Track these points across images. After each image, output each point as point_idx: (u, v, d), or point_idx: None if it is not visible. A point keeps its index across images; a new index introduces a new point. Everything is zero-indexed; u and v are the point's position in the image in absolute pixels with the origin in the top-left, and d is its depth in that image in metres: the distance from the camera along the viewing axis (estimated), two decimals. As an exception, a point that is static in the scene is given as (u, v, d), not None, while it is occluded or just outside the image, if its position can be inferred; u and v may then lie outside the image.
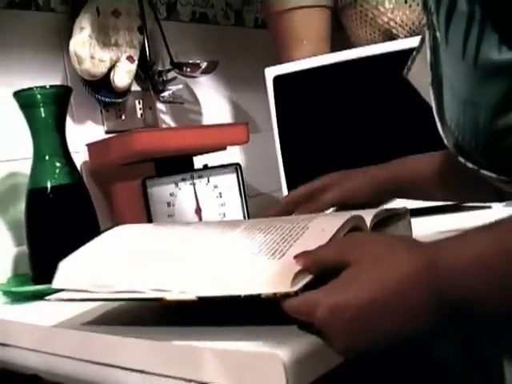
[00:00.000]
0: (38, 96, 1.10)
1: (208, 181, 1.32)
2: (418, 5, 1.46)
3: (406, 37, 1.46)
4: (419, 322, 0.56)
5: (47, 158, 1.11)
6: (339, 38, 1.65)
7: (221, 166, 1.35)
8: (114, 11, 1.39)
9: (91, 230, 1.11)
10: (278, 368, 0.55)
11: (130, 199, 1.25)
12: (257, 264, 0.66)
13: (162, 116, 1.55)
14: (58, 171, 1.11)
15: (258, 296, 0.61)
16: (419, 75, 0.80)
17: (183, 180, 1.28)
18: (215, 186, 1.33)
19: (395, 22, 1.47)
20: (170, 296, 0.66)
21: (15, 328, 0.92)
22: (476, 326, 0.82)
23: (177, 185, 1.27)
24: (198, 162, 1.37)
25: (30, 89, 1.10)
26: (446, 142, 0.68)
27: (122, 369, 0.71)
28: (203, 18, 1.72)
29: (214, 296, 0.64)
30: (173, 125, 1.57)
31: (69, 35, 1.33)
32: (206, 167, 1.34)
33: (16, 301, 1.07)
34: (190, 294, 0.65)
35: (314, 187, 0.97)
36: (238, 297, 0.62)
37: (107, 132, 1.42)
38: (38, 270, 1.11)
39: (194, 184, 1.29)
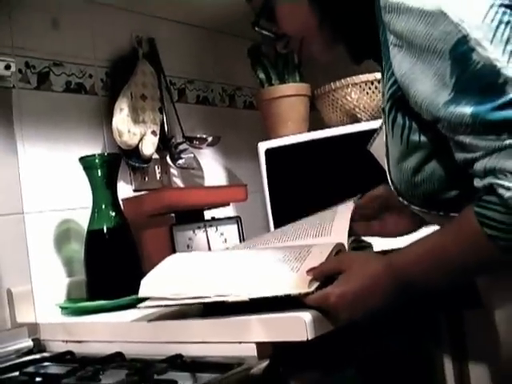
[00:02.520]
0: (98, 161, 1.48)
1: (216, 229, 1.69)
2: (376, 95, 1.87)
3: (367, 120, 1.88)
4: (387, 298, 0.96)
5: (103, 207, 1.47)
6: (313, 116, 2.06)
7: (226, 218, 1.73)
8: (142, 95, 1.78)
9: (135, 262, 1.47)
10: (301, 325, 0.93)
11: (158, 242, 1.61)
12: (284, 275, 1.04)
13: (174, 178, 1.93)
14: (111, 217, 1.47)
15: (289, 295, 0.99)
16: (378, 149, 1.19)
17: (198, 228, 1.65)
18: (222, 233, 1.70)
19: (359, 108, 1.89)
20: (229, 299, 1.03)
21: (92, 327, 1.27)
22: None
23: (194, 231, 1.64)
24: (207, 214, 1.74)
25: (92, 155, 1.48)
26: (393, 189, 1.07)
27: (187, 343, 1.07)
28: (205, 100, 2.13)
29: (259, 297, 1.01)
30: (182, 185, 1.95)
31: (108, 113, 1.72)
32: (214, 219, 1.71)
33: (72, 314, 1.43)
34: (244, 297, 1.02)
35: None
36: (276, 296, 0.99)
37: (134, 190, 1.79)
38: (94, 292, 1.46)
39: (206, 231, 1.66)
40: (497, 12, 0.84)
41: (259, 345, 0.99)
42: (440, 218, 1.00)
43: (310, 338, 0.94)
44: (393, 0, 0.90)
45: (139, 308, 1.13)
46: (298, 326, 0.94)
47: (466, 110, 0.83)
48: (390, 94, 0.97)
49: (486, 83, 0.82)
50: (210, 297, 1.05)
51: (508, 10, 0.84)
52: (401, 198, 1.03)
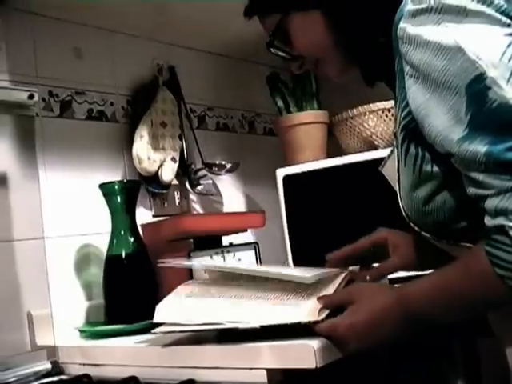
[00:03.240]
0: (117, 188, 1.51)
1: (234, 255, 1.71)
2: (393, 122, 1.89)
3: (385, 146, 1.89)
4: (395, 330, 0.98)
5: (122, 232, 1.51)
6: (330, 143, 2.09)
7: (244, 244, 1.75)
8: (162, 123, 1.82)
9: (153, 288, 1.50)
10: (310, 352, 0.94)
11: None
12: (294, 304, 1.05)
13: (194, 204, 1.96)
14: (129, 243, 1.51)
15: (299, 323, 1.00)
16: (390, 171, 1.20)
17: (216, 253, 1.67)
18: (239, 259, 1.72)
19: (376, 135, 1.91)
20: (241, 326, 1.05)
21: (109, 351, 1.30)
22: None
23: (211, 257, 1.66)
24: (225, 239, 1.77)
25: (112, 182, 1.52)
26: (404, 215, 1.08)
27: (200, 368, 1.09)
28: (225, 127, 2.17)
29: (269, 324, 1.03)
30: (202, 211, 1.98)
31: (129, 140, 1.76)
32: (231, 244, 1.73)
33: (90, 338, 1.46)
34: (255, 324, 1.03)
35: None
36: (286, 324, 1.01)
37: (154, 215, 1.82)
38: (112, 316, 1.48)
39: (224, 257, 1.68)
40: None
41: (269, 371, 1.01)
42: (450, 246, 1.01)
43: (319, 366, 0.96)
44: (410, 32, 0.91)
45: (154, 333, 1.16)
46: (307, 354, 0.95)
47: (480, 148, 0.84)
48: (403, 124, 0.99)
49: (501, 122, 0.83)
50: (222, 323, 1.07)
51: None
52: (412, 224, 1.05)
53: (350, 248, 1.29)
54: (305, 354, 0.96)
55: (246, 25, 1.81)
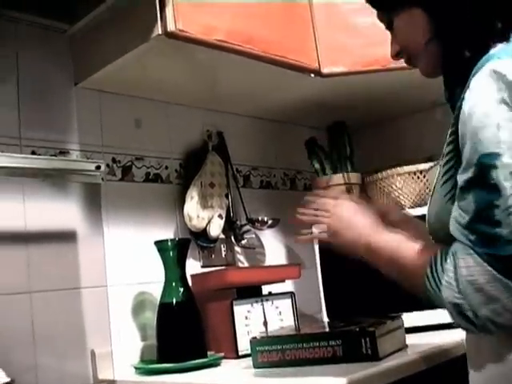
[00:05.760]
0: (170, 244, 1.74)
1: (272, 303, 1.91)
2: (418, 184, 2.09)
3: (411, 206, 2.09)
4: (355, 242, 1.26)
5: (173, 283, 1.73)
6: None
7: (281, 293, 1.95)
8: (210, 183, 2.05)
9: (200, 331, 1.72)
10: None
11: (220, 313, 1.84)
12: None
13: (238, 256, 2.18)
14: (179, 292, 1.73)
15: None
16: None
17: (256, 302, 1.88)
18: (277, 307, 1.92)
19: (403, 196, 2.11)
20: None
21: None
22: None
23: (252, 305, 1.87)
24: (265, 289, 1.98)
25: (165, 240, 1.75)
26: (426, 225, 1.19)
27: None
28: (268, 185, 2.40)
29: None
30: (246, 262, 2.19)
31: (181, 200, 2.00)
32: (270, 294, 1.94)
33: (144, 374, 1.68)
34: None
35: None
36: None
37: (202, 266, 2.05)
38: (163, 356, 1.70)
39: (263, 305, 1.89)
40: None
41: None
42: None
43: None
44: (501, 69, 0.99)
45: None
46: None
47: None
48: (447, 159, 1.10)
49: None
50: None
51: None
52: (431, 236, 1.20)
53: None
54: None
55: (286, 92, 2.09)
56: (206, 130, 2.17)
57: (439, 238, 1.13)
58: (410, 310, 1.81)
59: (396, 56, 1.26)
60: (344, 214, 1.32)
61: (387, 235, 1.21)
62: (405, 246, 1.14)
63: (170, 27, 1.55)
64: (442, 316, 1.45)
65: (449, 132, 1.09)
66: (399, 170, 2.10)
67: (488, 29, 1.10)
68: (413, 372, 1.39)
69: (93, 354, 1.71)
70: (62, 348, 1.65)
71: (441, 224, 1.10)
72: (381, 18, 1.27)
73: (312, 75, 1.96)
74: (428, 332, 1.77)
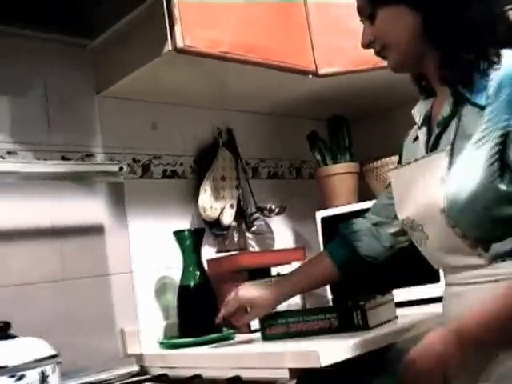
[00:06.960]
0: (186, 234, 1.96)
1: (280, 283, 2.13)
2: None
3: (405, 191, 2.28)
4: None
5: (191, 268, 1.95)
6: (361, 187, 2.49)
7: (288, 273, 2.17)
8: (222, 177, 2.26)
9: (215, 310, 1.92)
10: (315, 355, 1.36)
11: (233, 293, 2.06)
12: None
13: (249, 241, 2.40)
14: (196, 275, 1.95)
15: None
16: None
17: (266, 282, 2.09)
18: (284, 285, 2.14)
19: (399, 182, 2.30)
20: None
21: (182, 357, 1.74)
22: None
23: (261, 285, 2.08)
24: (274, 270, 2.19)
25: (182, 230, 1.97)
26: (441, 209, 1.17)
27: (243, 368, 1.52)
28: (275, 175, 2.60)
29: None
30: (256, 247, 2.41)
31: (195, 193, 2.21)
32: (278, 274, 2.15)
33: (168, 348, 1.90)
34: None
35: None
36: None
37: (217, 251, 2.26)
38: (183, 332, 1.93)
39: (271, 284, 2.11)
40: None
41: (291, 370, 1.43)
42: (474, 254, 1.15)
43: (322, 366, 1.36)
44: None
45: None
46: (313, 359, 1.36)
47: None
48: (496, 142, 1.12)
49: None
50: None
51: None
52: (450, 221, 1.15)
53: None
54: (311, 358, 1.37)
55: (288, 91, 2.25)
56: (216, 128, 2.37)
57: (463, 219, 1.12)
58: (403, 286, 2.02)
59: (368, 46, 1.28)
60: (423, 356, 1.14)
61: (467, 320, 1.09)
62: (495, 303, 1.06)
63: (179, 44, 1.74)
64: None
65: (485, 122, 1.13)
66: (394, 158, 2.29)
67: (480, 30, 1.15)
68: (400, 339, 1.59)
69: (122, 332, 1.94)
70: (94, 327, 1.87)
71: (473, 204, 1.10)
72: (362, 8, 1.28)
73: (310, 76, 2.14)
74: (422, 305, 1.98)
